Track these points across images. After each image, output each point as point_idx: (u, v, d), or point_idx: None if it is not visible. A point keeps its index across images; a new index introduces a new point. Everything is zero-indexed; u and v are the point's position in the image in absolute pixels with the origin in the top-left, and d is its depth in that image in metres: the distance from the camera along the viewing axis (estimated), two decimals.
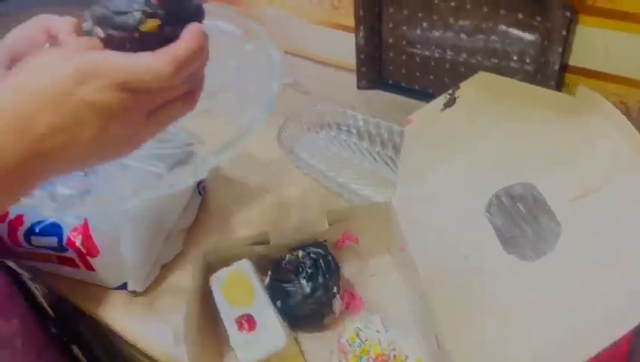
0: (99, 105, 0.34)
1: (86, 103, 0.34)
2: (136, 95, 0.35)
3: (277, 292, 0.55)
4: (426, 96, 0.85)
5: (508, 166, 0.52)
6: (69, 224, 0.60)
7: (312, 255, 0.56)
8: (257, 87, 0.52)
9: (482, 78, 0.58)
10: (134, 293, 0.62)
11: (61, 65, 0.35)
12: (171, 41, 0.36)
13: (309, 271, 0.55)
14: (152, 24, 0.36)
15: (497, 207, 0.52)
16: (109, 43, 0.37)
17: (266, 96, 0.49)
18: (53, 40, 0.53)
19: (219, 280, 0.55)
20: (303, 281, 0.54)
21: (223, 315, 0.52)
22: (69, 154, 0.35)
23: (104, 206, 0.52)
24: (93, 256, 0.59)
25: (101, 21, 0.37)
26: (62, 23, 0.52)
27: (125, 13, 0.36)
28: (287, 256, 0.57)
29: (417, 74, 0.84)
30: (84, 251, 0.59)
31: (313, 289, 0.54)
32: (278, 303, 0.54)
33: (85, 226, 0.58)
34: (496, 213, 0.51)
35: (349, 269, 0.61)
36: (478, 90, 0.57)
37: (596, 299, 0.40)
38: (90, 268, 0.61)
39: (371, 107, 0.84)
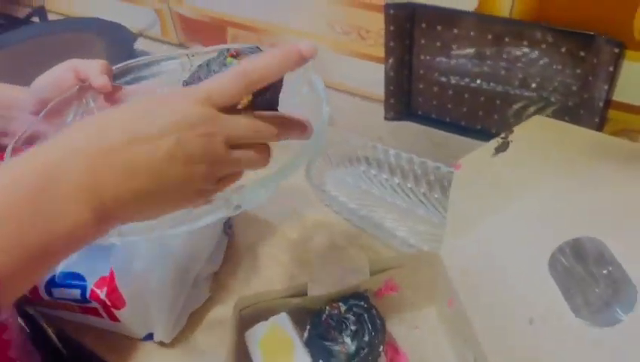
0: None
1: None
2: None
3: (318, 350, 0.51)
4: (458, 128, 0.82)
5: (569, 219, 0.49)
6: (94, 275, 0.57)
7: (355, 309, 0.53)
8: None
9: (538, 121, 0.55)
10: (161, 343, 0.59)
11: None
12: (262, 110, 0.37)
13: (353, 327, 0.51)
14: (246, 100, 0.36)
15: (563, 264, 0.48)
16: None
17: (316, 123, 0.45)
18: (82, 82, 0.51)
19: (256, 336, 0.52)
20: (347, 339, 0.51)
21: None
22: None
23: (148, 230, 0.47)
24: (118, 308, 0.56)
25: None
26: (91, 66, 0.50)
27: None
28: (328, 308, 0.54)
29: (449, 105, 0.81)
30: (109, 303, 0.56)
31: (358, 349, 0.50)
32: None
33: (112, 278, 0.55)
34: (562, 270, 0.48)
35: (390, 321, 0.58)
36: (534, 134, 0.54)
37: None
38: (114, 319, 0.57)
39: (399, 139, 0.81)
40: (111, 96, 0.51)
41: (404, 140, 0.81)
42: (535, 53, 0.69)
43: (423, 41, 0.77)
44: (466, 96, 0.79)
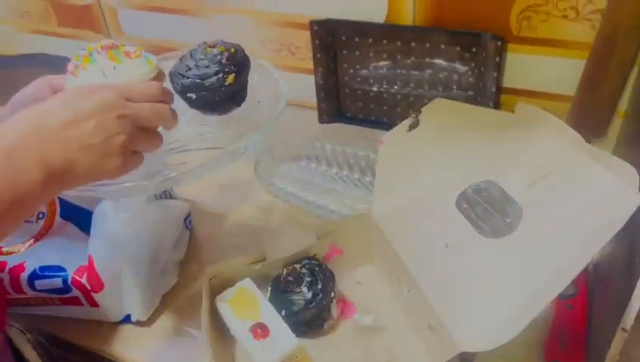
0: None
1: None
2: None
3: (280, 302, 0.60)
4: (382, 124, 0.94)
5: (469, 172, 0.63)
6: (73, 265, 0.63)
7: (308, 266, 0.62)
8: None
9: (439, 102, 0.69)
10: (138, 324, 0.65)
11: None
12: (241, 85, 0.55)
13: (308, 279, 0.61)
14: (231, 78, 0.53)
15: (466, 202, 0.61)
16: (201, 101, 0.55)
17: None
18: (55, 93, 0.59)
19: (224, 298, 0.60)
20: (304, 289, 0.60)
21: (234, 328, 0.57)
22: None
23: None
24: (97, 291, 0.63)
25: (191, 88, 0.55)
26: (62, 79, 0.58)
27: (211, 76, 0.54)
28: (285, 270, 0.63)
29: (372, 106, 0.94)
30: (90, 288, 0.62)
31: (314, 295, 0.59)
32: (283, 312, 0.59)
33: (90, 264, 0.62)
34: (466, 207, 0.60)
35: (337, 279, 0.67)
36: (437, 113, 0.68)
37: (547, 263, 0.50)
38: (93, 304, 0.64)
39: (334, 139, 0.92)
40: None
41: (338, 138, 0.92)
42: (437, 54, 0.83)
43: (344, 52, 0.89)
44: (385, 97, 0.92)
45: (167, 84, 0.56)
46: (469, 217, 0.59)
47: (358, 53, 0.89)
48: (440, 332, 0.53)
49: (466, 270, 0.55)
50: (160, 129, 0.49)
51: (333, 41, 0.89)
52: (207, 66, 0.54)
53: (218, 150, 0.57)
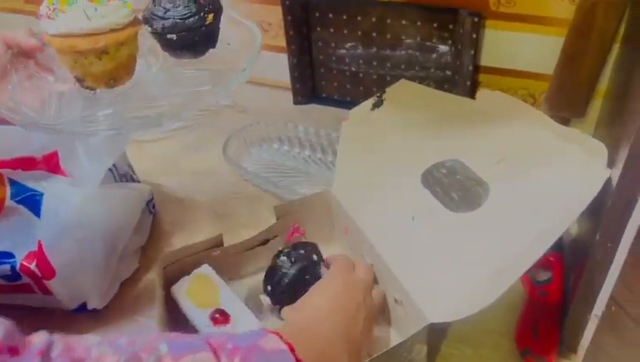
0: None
1: None
2: None
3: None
4: (357, 105, 0.91)
5: (434, 151, 0.61)
6: (22, 251, 0.60)
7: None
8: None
9: (404, 84, 0.68)
10: (95, 312, 0.62)
11: None
12: (217, 25, 0.56)
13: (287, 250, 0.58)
14: (211, 18, 0.54)
15: (432, 178, 0.59)
16: (181, 42, 0.54)
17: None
18: (11, 49, 0.55)
19: (181, 288, 0.57)
20: (284, 258, 0.57)
21: (193, 317, 0.54)
22: None
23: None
24: (49, 278, 0.59)
25: (172, 29, 0.53)
26: (17, 33, 0.55)
27: (191, 16, 0.53)
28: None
29: (348, 86, 0.91)
30: (40, 275, 0.59)
31: (297, 259, 0.57)
32: (268, 287, 0.57)
33: (40, 250, 0.58)
34: (432, 182, 0.59)
35: None
36: (402, 94, 0.67)
37: (515, 237, 0.49)
38: (47, 291, 0.61)
39: (309, 120, 0.88)
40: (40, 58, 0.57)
41: (313, 120, 0.88)
42: (412, 33, 0.79)
43: (318, 29, 0.86)
44: (361, 76, 0.88)
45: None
46: (435, 192, 0.58)
47: (332, 30, 0.85)
48: (406, 304, 0.52)
49: (432, 242, 0.53)
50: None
51: (306, 17, 0.85)
52: (186, 6, 0.54)
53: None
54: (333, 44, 0.87)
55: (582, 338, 0.51)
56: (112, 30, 0.51)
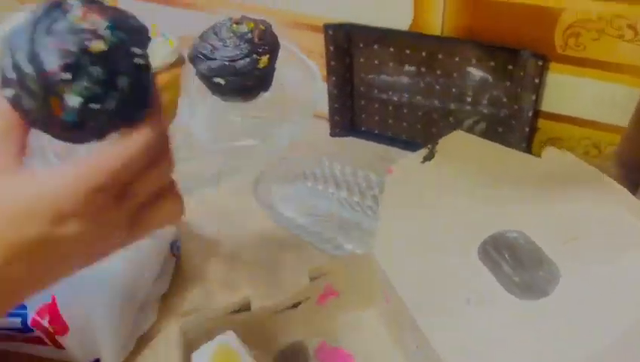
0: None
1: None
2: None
3: None
4: (400, 142, 0.85)
5: (493, 218, 0.54)
6: (34, 304, 0.56)
7: None
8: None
9: (459, 135, 0.62)
10: None
11: None
12: (272, 67, 0.48)
13: None
14: (265, 60, 0.46)
15: (492, 252, 0.52)
16: (230, 86, 0.46)
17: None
18: None
19: (203, 358, 0.52)
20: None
21: None
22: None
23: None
24: (61, 334, 0.55)
25: (219, 72, 0.46)
26: None
27: (243, 58, 0.46)
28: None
29: (390, 121, 0.84)
30: (52, 330, 0.55)
31: None
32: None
33: (53, 305, 0.54)
34: (491, 258, 0.52)
35: (333, 324, 0.59)
36: (456, 146, 0.61)
37: (589, 335, 0.42)
38: (59, 346, 0.56)
39: (346, 155, 0.82)
40: None
41: (350, 155, 0.82)
42: (467, 69, 0.72)
43: (361, 60, 0.80)
44: (405, 111, 0.82)
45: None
46: (495, 271, 0.51)
47: (376, 62, 0.79)
48: None
49: (491, 332, 0.46)
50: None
51: (349, 47, 0.79)
52: (236, 46, 0.46)
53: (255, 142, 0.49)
54: (376, 77, 0.81)
55: None
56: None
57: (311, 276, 0.57)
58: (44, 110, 0.26)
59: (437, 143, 0.62)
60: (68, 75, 0.25)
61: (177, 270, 0.68)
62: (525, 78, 0.68)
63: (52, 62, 0.25)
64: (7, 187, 0.29)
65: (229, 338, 0.53)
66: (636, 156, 0.62)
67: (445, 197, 0.58)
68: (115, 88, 0.26)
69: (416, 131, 0.83)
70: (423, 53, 0.74)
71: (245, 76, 0.47)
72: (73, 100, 0.25)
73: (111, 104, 0.26)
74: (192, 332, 0.54)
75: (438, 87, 0.76)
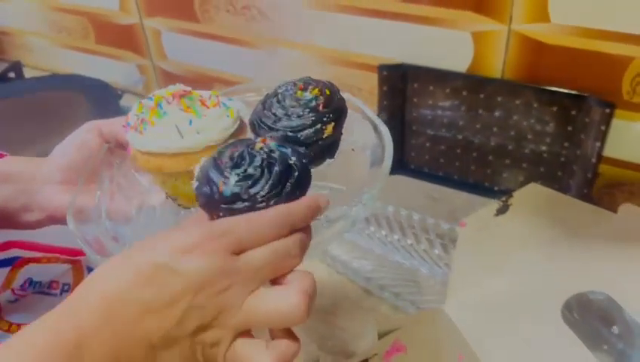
0: None
1: None
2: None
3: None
4: (451, 182, 0.83)
5: (573, 276, 0.52)
6: None
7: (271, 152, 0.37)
8: None
9: (535, 188, 0.60)
10: None
11: None
12: (339, 135, 0.43)
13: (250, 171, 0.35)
14: (330, 129, 0.41)
15: (576, 314, 0.51)
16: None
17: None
18: (108, 143, 0.49)
19: None
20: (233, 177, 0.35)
21: None
22: None
23: None
24: None
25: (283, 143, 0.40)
26: (115, 123, 0.48)
27: (306, 128, 0.41)
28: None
29: (441, 160, 0.83)
30: None
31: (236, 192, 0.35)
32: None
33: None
34: (576, 320, 0.50)
35: None
36: (532, 200, 0.59)
37: None
38: None
39: (395, 194, 0.81)
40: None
41: (400, 195, 0.81)
42: (527, 112, 0.71)
43: (415, 100, 0.79)
44: (458, 151, 0.80)
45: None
46: (582, 334, 0.48)
47: (431, 102, 0.78)
48: None
49: None
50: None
51: (403, 88, 0.78)
52: (299, 116, 0.43)
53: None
54: (430, 116, 0.79)
55: None
56: (209, 147, 0.41)
57: (380, 331, 0.56)
58: None
59: (511, 196, 0.60)
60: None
61: None
62: (590, 124, 0.67)
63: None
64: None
65: None
66: None
67: (522, 252, 0.56)
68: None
69: (468, 171, 0.81)
70: (481, 95, 0.73)
71: (309, 146, 0.43)
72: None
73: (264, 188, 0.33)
74: None
75: (495, 128, 0.75)
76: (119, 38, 1.02)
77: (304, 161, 0.36)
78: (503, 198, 0.59)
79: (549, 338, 0.49)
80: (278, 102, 0.44)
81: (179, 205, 0.47)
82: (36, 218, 0.46)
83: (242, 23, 0.88)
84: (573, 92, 0.67)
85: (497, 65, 0.70)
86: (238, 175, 0.33)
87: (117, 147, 0.49)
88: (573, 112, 0.68)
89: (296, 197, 0.34)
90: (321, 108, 0.43)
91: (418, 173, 0.86)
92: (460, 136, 0.79)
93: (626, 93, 0.65)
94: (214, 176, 0.34)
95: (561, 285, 0.52)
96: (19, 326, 0.54)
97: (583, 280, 0.52)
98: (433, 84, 0.76)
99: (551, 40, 0.66)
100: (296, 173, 0.34)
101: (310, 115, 0.42)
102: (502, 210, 0.59)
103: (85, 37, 1.07)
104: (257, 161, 0.34)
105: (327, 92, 0.45)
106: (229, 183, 0.33)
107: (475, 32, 0.70)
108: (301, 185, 0.35)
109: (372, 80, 0.79)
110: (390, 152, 0.46)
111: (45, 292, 0.58)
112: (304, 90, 0.44)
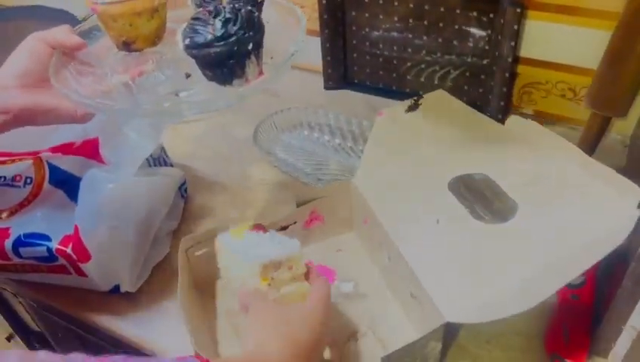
0: None
1: None
2: None
3: (185, 31, 0.51)
4: (390, 93, 0.90)
5: (463, 163, 0.62)
6: (58, 234, 0.61)
7: (237, 5, 0.51)
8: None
9: (441, 95, 0.71)
10: (127, 294, 0.64)
11: None
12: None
13: (228, 16, 0.50)
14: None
15: (460, 187, 0.60)
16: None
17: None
18: (56, 48, 0.54)
19: (225, 236, 0.57)
20: (218, 22, 0.49)
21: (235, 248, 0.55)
22: None
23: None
24: (84, 261, 0.61)
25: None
26: (58, 31, 0.54)
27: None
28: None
29: (381, 73, 0.89)
30: (76, 258, 0.60)
31: (226, 34, 0.49)
32: (186, 41, 0.51)
33: (76, 234, 0.60)
34: (460, 191, 0.60)
35: (317, 247, 0.66)
36: (438, 103, 0.70)
37: (536, 253, 0.51)
38: (81, 273, 0.62)
39: (339, 106, 0.88)
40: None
41: (344, 107, 0.88)
42: (452, 19, 0.77)
43: (353, 13, 0.84)
44: (395, 63, 0.87)
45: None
46: (462, 200, 0.59)
47: (367, 15, 0.84)
48: (423, 301, 0.52)
49: (455, 246, 0.54)
50: None
51: (342, 2, 0.84)
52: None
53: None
54: (367, 29, 0.85)
55: (614, 349, 0.51)
56: None
57: (298, 202, 0.63)
58: None
59: (421, 97, 0.70)
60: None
61: (186, 210, 0.74)
62: (505, 25, 0.73)
63: None
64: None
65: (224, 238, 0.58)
66: (605, 96, 0.67)
67: (423, 142, 0.66)
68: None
69: (405, 82, 0.88)
70: (411, 5, 0.79)
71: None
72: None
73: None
74: (191, 246, 0.60)
75: (425, 38, 0.81)
76: None
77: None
78: (415, 98, 0.68)
79: (437, 204, 0.58)
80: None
81: (133, 50, 0.57)
82: (2, 120, 0.51)
83: None
84: None
85: None
86: (221, 20, 0.49)
87: (64, 54, 0.55)
88: (491, 15, 0.74)
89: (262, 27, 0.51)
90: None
91: (362, 87, 0.92)
92: (395, 48, 0.85)
93: None
94: (201, 28, 0.49)
95: (452, 168, 0.62)
96: None
97: (470, 165, 0.62)
98: None
99: None
100: (256, 14, 0.51)
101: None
102: (412, 108, 0.69)
103: None
104: (229, 9, 0.49)
105: None
106: (217, 27, 0.48)
107: None
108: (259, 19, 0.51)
109: None
110: (303, 24, 0.55)
111: (10, 184, 0.64)
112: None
